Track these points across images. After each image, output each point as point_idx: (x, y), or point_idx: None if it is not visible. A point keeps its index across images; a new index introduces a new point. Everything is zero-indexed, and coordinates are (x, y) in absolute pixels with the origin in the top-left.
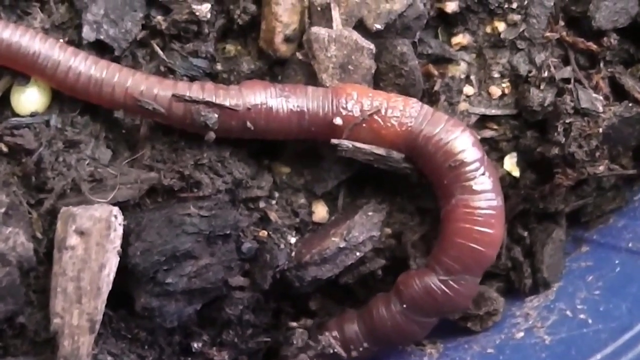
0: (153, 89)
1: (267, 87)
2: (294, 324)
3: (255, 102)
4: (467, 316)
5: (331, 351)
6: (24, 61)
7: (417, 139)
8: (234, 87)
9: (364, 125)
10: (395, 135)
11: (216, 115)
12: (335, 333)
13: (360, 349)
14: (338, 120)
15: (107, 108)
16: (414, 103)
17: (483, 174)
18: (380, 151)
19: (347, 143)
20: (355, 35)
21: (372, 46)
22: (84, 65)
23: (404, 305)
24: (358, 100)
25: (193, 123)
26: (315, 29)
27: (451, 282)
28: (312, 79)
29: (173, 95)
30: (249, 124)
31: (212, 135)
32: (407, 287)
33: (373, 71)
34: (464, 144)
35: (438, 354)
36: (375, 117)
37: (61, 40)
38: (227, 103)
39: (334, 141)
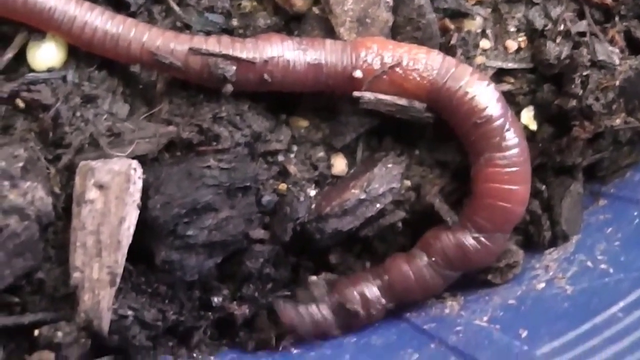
0: (169, 43)
1: (285, 40)
2: (314, 277)
3: (272, 55)
4: (488, 269)
5: (354, 307)
6: (40, 17)
7: (440, 92)
8: (251, 39)
9: (384, 77)
10: (417, 87)
11: (234, 68)
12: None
13: (379, 306)
14: (358, 73)
15: (123, 63)
16: (437, 55)
17: (509, 129)
18: (403, 102)
19: (369, 95)
20: None
21: None
22: (100, 21)
23: (433, 259)
24: (378, 53)
25: (210, 77)
26: None
27: (483, 239)
28: (330, 34)
29: (190, 49)
30: (266, 76)
31: (229, 87)
32: (439, 241)
33: (390, 24)
34: (489, 100)
35: (459, 306)
36: (397, 69)
37: None
38: (244, 56)
39: (356, 94)
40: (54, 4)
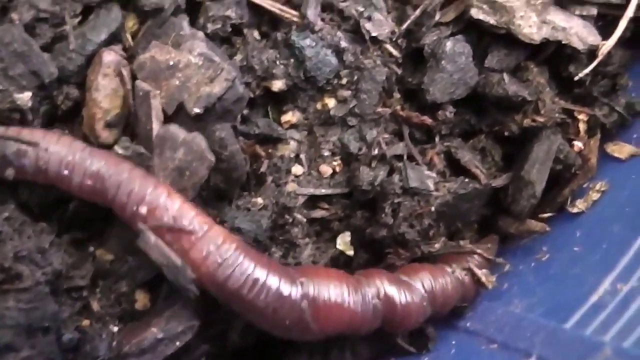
0: None
1: (73, 142)
2: None
3: (55, 148)
4: None
5: None
6: None
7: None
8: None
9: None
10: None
11: (15, 147)
12: None
13: None
14: (143, 210)
15: None
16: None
17: None
18: (178, 262)
19: (151, 235)
20: (204, 145)
21: (213, 159)
22: None
23: None
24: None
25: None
26: (173, 128)
27: None
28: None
29: None
30: (41, 163)
31: (11, 172)
32: None
33: (202, 182)
34: None
35: None
36: (185, 236)
37: None
38: (27, 138)
39: (142, 226)
40: None
